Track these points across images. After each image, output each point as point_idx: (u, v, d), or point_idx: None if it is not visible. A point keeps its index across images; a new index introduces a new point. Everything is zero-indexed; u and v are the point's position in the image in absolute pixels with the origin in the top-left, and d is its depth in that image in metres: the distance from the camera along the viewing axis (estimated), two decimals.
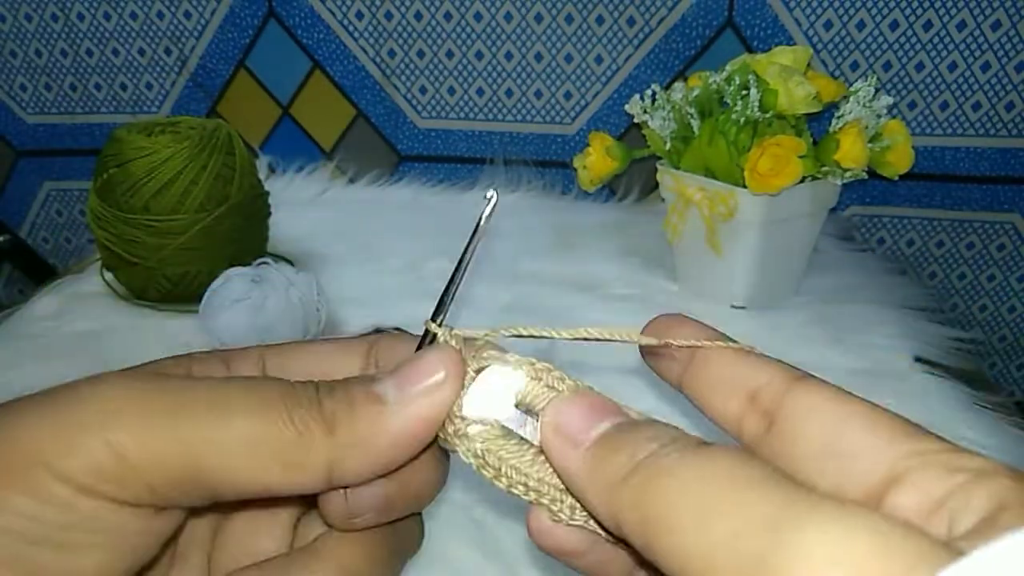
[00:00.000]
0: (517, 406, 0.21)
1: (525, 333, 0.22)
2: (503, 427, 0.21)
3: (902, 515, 0.17)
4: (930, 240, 1.01)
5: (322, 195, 1.00)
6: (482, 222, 0.22)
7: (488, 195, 0.22)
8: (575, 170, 0.77)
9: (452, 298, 0.23)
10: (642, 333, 0.22)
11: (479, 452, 0.21)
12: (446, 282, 0.23)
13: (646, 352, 0.23)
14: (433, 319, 0.22)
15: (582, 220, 0.93)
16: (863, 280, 0.80)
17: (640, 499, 0.17)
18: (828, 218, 0.74)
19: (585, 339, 0.22)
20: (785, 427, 0.19)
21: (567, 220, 0.93)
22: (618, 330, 0.22)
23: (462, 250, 0.22)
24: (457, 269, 0.23)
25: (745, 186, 0.64)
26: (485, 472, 0.21)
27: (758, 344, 0.22)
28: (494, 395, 0.21)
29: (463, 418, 0.21)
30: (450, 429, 0.21)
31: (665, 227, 0.74)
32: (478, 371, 0.21)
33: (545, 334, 0.22)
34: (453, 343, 0.22)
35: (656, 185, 0.75)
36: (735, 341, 0.22)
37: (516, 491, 0.21)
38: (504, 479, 0.21)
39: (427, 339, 0.22)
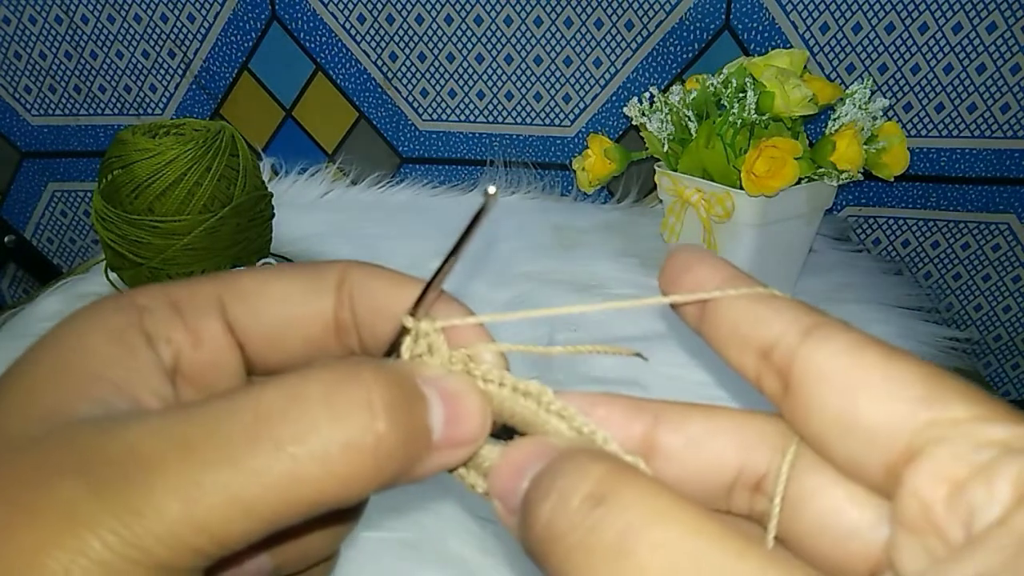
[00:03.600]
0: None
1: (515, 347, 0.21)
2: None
3: (919, 502, 0.15)
4: (925, 241, 1.02)
5: (324, 196, 1.01)
6: (482, 217, 0.20)
7: (489, 191, 0.20)
8: (574, 172, 0.78)
9: (437, 290, 0.21)
10: (661, 270, 0.21)
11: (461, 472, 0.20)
12: (431, 275, 0.21)
13: (664, 290, 0.21)
14: (412, 313, 0.21)
15: (581, 221, 0.94)
16: (859, 280, 0.80)
17: (555, 569, 0.15)
18: (824, 219, 0.74)
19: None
20: (799, 393, 0.17)
21: (566, 221, 0.94)
22: (605, 346, 0.21)
23: (454, 244, 0.20)
24: (446, 262, 0.20)
25: (742, 188, 0.64)
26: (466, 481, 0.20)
27: None
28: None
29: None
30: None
31: (663, 228, 0.75)
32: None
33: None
34: (435, 336, 0.20)
35: (654, 187, 0.75)
36: (761, 284, 0.19)
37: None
38: (478, 486, 0.20)
39: (403, 335, 0.21)
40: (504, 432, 0.20)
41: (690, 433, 0.19)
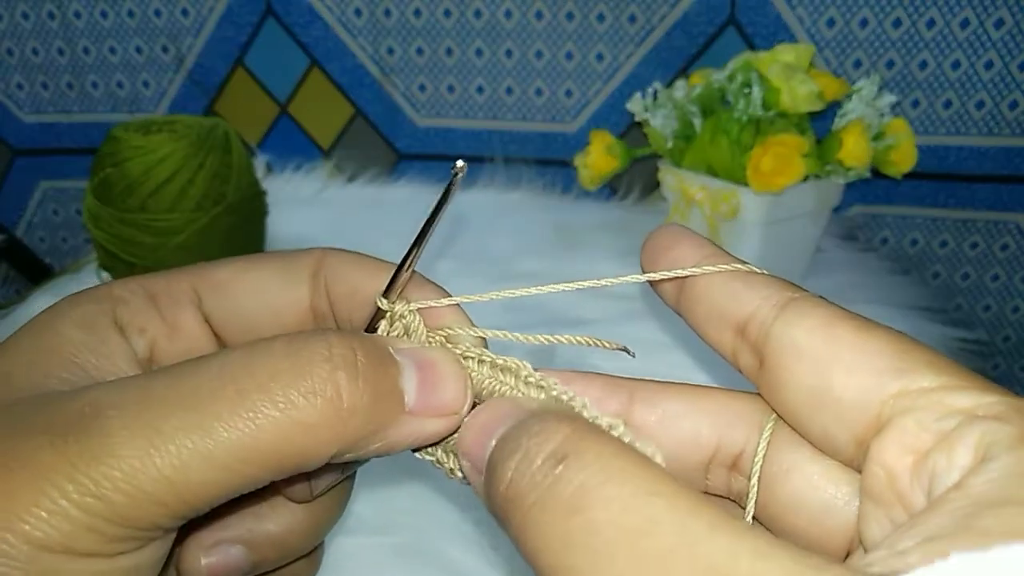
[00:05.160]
0: None
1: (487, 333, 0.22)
2: None
3: (886, 472, 0.14)
4: (933, 240, 1.01)
5: (320, 194, 1.00)
6: (450, 193, 0.20)
7: (459, 164, 0.20)
8: (576, 169, 0.77)
9: (411, 270, 0.21)
10: (642, 248, 0.21)
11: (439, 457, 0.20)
12: (403, 256, 0.21)
13: (645, 268, 0.21)
14: (386, 295, 0.21)
15: (583, 219, 0.92)
16: (866, 280, 0.79)
17: (515, 528, 0.15)
18: (831, 217, 0.73)
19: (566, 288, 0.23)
20: (774, 368, 0.17)
21: (568, 219, 0.92)
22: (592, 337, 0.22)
23: (424, 221, 0.21)
24: (418, 241, 0.21)
25: (748, 185, 0.63)
26: (439, 466, 0.20)
27: None
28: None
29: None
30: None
31: None
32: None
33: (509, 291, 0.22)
34: (412, 317, 0.21)
35: (658, 184, 0.74)
36: (740, 261, 0.19)
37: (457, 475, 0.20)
38: (457, 471, 0.20)
39: (378, 317, 0.21)
40: None
41: (665, 410, 0.19)
